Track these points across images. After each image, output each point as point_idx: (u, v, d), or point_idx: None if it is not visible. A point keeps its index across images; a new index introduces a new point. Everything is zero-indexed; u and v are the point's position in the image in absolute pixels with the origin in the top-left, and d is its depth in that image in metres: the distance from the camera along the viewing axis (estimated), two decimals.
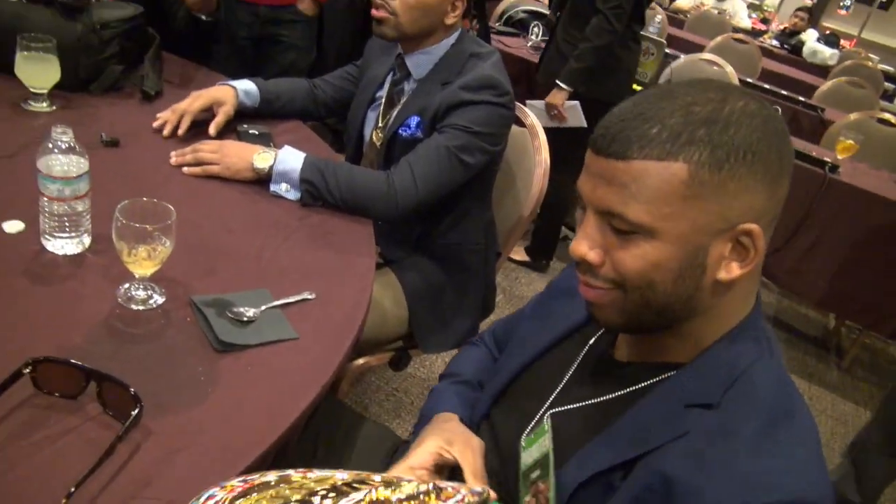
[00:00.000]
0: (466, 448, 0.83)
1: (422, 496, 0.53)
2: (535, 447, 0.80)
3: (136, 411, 0.75)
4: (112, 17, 1.59)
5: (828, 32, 7.15)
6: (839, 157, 3.02)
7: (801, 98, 4.24)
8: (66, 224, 1.02)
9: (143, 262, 0.95)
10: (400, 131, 1.52)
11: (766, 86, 4.31)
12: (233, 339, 0.94)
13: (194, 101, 1.50)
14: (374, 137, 1.61)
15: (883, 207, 2.77)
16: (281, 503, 0.51)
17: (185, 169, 1.36)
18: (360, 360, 1.53)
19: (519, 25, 3.96)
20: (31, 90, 1.43)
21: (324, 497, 0.53)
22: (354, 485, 0.56)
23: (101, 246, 1.05)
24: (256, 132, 1.58)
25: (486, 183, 1.61)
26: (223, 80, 1.63)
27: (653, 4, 5.70)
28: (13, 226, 1.05)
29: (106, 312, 0.95)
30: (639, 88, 3.03)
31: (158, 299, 0.99)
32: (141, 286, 0.99)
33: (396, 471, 0.82)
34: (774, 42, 6.84)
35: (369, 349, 1.55)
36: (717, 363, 0.71)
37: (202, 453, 0.77)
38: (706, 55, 4.07)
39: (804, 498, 0.61)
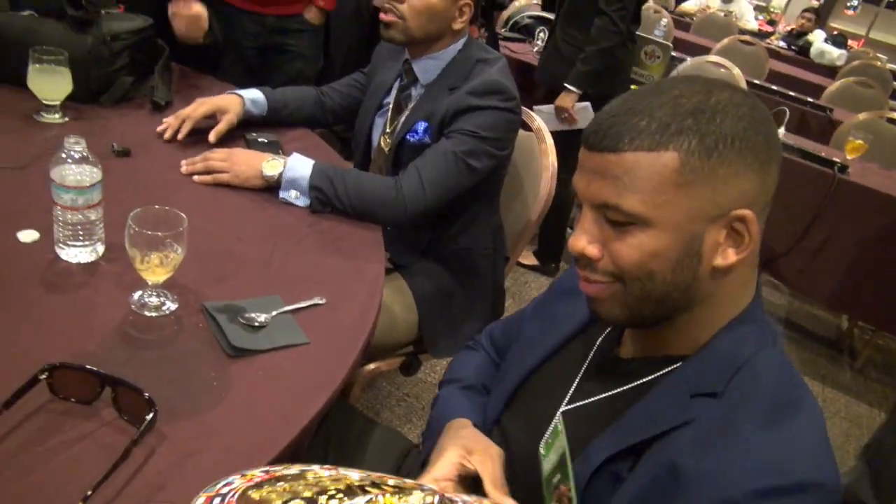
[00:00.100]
0: (486, 457, 0.83)
1: None
2: (554, 451, 0.80)
3: (151, 416, 0.76)
4: (122, 30, 1.61)
5: (835, 33, 7.12)
6: (848, 157, 3.01)
7: (810, 99, 4.23)
8: (80, 233, 1.03)
9: (155, 270, 0.96)
10: (408, 137, 1.53)
11: (774, 87, 4.30)
12: (245, 344, 0.95)
13: (198, 107, 1.52)
14: (382, 143, 1.62)
15: (893, 207, 2.75)
16: (289, 498, 0.52)
17: (195, 177, 1.37)
18: (371, 366, 1.54)
19: (525, 31, 3.97)
20: (44, 102, 1.45)
21: (331, 497, 0.53)
22: (367, 488, 0.57)
23: (115, 254, 1.06)
24: (265, 140, 1.59)
25: (493, 188, 1.62)
26: (231, 90, 1.65)
27: (658, 8, 5.71)
28: (28, 235, 1.07)
29: (119, 319, 0.96)
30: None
31: (171, 306, 1.00)
32: (154, 293, 1.00)
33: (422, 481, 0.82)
34: (781, 43, 6.83)
35: (380, 354, 1.55)
36: (720, 353, 0.72)
37: (215, 457, 0.78)
38: (712, 57, 4.07)
39: (812, 480, 0.61)
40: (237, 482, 0.57)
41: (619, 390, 0.78)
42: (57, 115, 1.47)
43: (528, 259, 3.18)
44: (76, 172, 1.01)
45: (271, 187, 1.39)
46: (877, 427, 2.28)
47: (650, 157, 0.66)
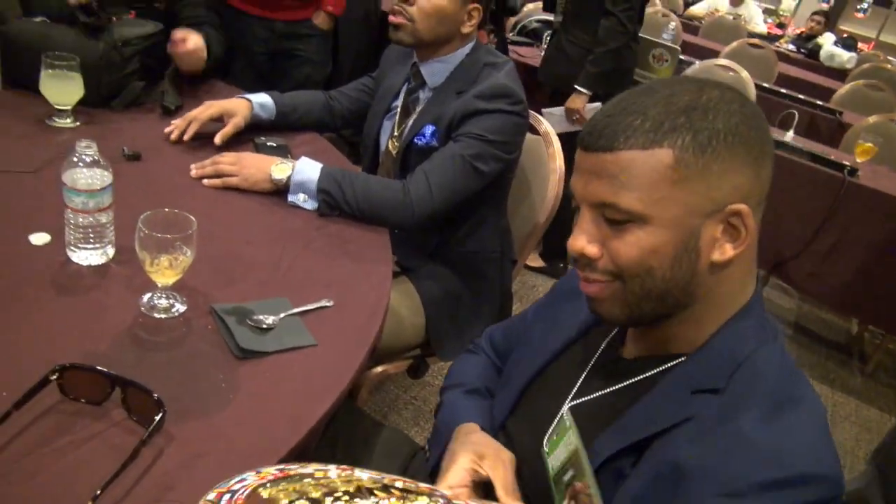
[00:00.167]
0: (497, 462, 0.83)
1: None
2: (561, 448, 0.80)
3: (160, 416, 0.77)
4: (133, 35, 1.62)
5: (845, 36, 7.09)
6: (858, 160, 2.99)
7: (819, 102, 4.21)
8: (91, 235, 1.05)
9: (165, 272, 0.97)
10: (415, 140, 1.54)
11: (783, 90, 4.28)
12: (253, 346, 0.96)
13: (206, 110, 1.53)
14: (390, 146, 1.63)
15: None
16: (296, 497, 0.52)
17: (204, 181, 1.38)
18: (379, 368, 1.54)
19: (532, 35, 3.98)
20: (56, 107, 1.47)
21: (336, 499, 0.54)
22: (375, 491, 0.57)
23: (125, 257, 1.07)
24: (274, 144, 1.60)
25: (501, 191, 1.62)
26: (240, 94, 1.66)
27: (666, 11, 5.70)
28: (40, 238, 1.08)
29: (129, 321, 0.97)
30: None
31: (180, 308, 1.01)
32: (163, 295, 1.01)
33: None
34: (791, 46, 6.80)
35: (387, 357, 1.56)
36: (721, 349, 0.72)
37: (223, 457, 0.78)
38: (721, 61, 4.06)
39: (814, 473, 0.61)
40: (250, 479, 0.58)
41: (621, 388, 0.79)
42: (69, 120, 1.48)
43: (535, 261, 3.18)
44: (87, 176, 1.02)
45: (280, 191, 1.40)
46: (887, 431, 2.26)
47: (645, 155, 0.67)
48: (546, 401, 0.87)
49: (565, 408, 0.83)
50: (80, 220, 1.03)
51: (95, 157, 1.03)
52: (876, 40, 8.86)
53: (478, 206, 1.54)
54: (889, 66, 5.90)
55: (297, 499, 0.53)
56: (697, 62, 4.07)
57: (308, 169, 1.38)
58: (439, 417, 1.01)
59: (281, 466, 0.61)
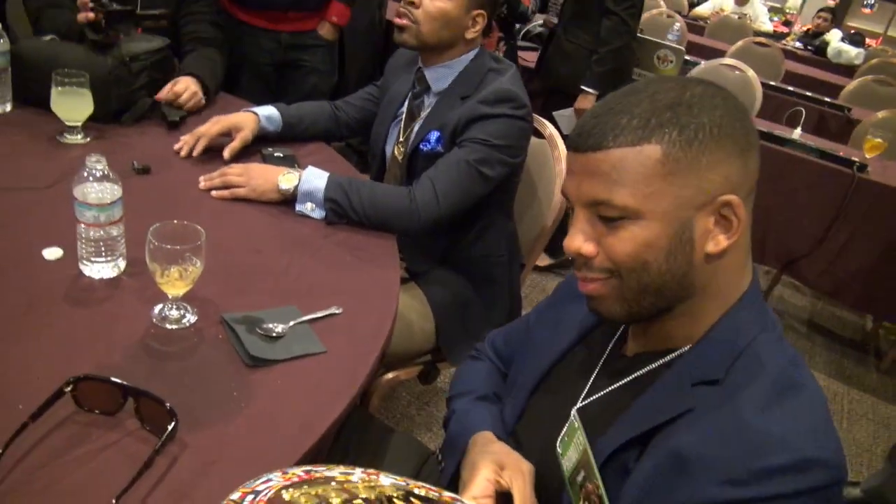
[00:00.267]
0: (517, 473, 0.83)
1: None
2: (572, 449, 0.81)
3: (172, 425, 0.78)
4: (140, 50, 1.65)
5: (852, 32, 7.05)
6: (867, 155, 2.98)
7: (827, 99, 4.19)
8: (103, 249, 1.06)
9: (175, 283, 0.98)
10: (420, 146, 1.55)
11: (790, 88, 4.27)
12: (263, 354, 0.97)
13: (213, 126, 1.55)
14: (395, 152, 1.64)
15: None
16: (317, 502, 0.53)
17: (213, 192, 1.40)
18: (390, 375, 1.55)
19: (536, 40, 3.99)
20: (67, 123, 1.49)
21: None
22: (395, 499, 0.58)
23: (136, 269, 1.08)
24: (281, 155, 1.62)
25: (507, 195, 1.63)
26: (247, 107, 1.68)
27: (671, 13, 5.70)
28: (52, 253, 1.10)
29: (142, 332, 0.98)
30: None
31: (191, 318, 1.03)
32: (174, 306, 1.03)
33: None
34: (798, 44, 6.77)
35: (398, 363, 1.57)
36: (719, 340, 0.74)
37: (236, 465, 0.79)
38: (727, 60, 4.05)
39: (815, 457, 0.62)
40: (275, 480, 0.58)
41: (623, 385, 0.80)
42: (79, 136, 1.51)
43: (544, 261, 3.18)
44: (98, 190, 1.03)
45: (288, 200, 1.41)
46: None
47: (634, 152, 0.69)
48: (554, 404, 0.87)
49: (573, 410, 0.83)
50: (92, 233, 1.05)
51: (105, 172, 1.04)
52: (884, 35, 8.80)
53: (484, 210, 1.55)
54: None
55: None
56: (703, 62, 4.06)
57: (315, 178, 1.40)
58: (452, 426, 1.00)
59: (307, 468, 0.62)
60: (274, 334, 1.01)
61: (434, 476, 1.02)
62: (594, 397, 0.83)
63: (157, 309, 1.02)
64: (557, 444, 0.83)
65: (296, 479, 0.59)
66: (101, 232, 1.05)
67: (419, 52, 1.58)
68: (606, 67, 2.72)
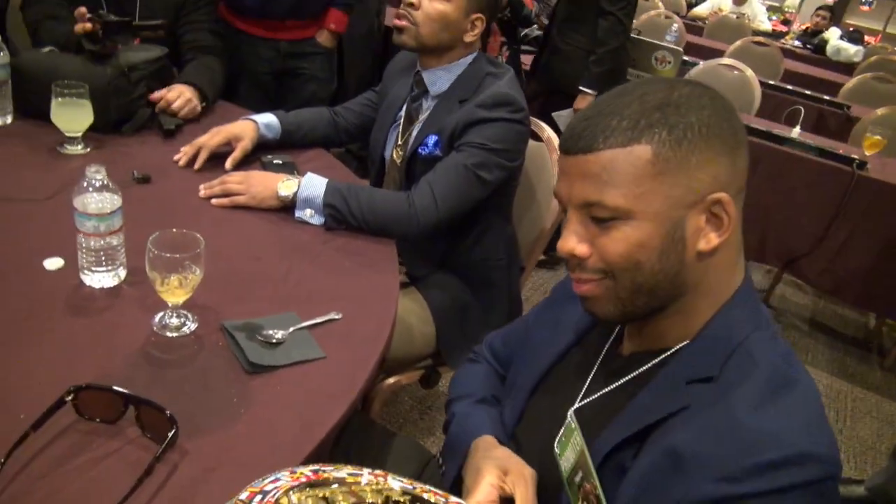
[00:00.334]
0: (520, 479, 0.84)
1: None
2: (570, 450, 0.81)
3: (173, 433, 0.78)
4: (139, 60, 1.66)
5: (851, 29, 7.05)
6: (867, 153, 2.98)
7: (826, 97, 4.19)
8: (103, 258, 1.07)
9: (175, 291, 0.99)
10: (419, 150, 1.56)
11: (789, 86, 4.27)
12: (263, 360, 0.97)
13: (213, 137, 1.56)
14: (394, 155, 1.65)
15: None
16: None
17: (213, 200, 1.41)
18: (391, 380, 1.55)
19: (534, 43, 4.00)
20: (67, 134, 1.50)
21: None
22: None
23: (137, 278, 1.09)
24: (280, 162, 1.63)
25: (506, 198, 1.63)
26: (245, 115, 1.69)
27: (669, 14, 5.71)
28: (53, 263, 1.11)
29: (142, 340, 0.99)
30: None
31: (192, 326, 1.03)
32: (174, 314, 1.03)
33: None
34: (797, 43, 6.78)
35: (399, 368, 1.57)
36: (713, 338, 0.74)
37: (236, 471, 0.80)
38: (725, 60, 4.06)
39: (808, 451, 0.63)
40: (284, 480, 0.59)
41: (619, 385, 0.80)
42: (79, 147, 1.52)
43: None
44: (97, 200, 1.04)
45: (287, 207, 1.42)
46: None
47: (625, 153, 0.70)
48: (552, 405, 0.88)
49: (571, 411, 0.84)
50: (92, 243, 1.05)
51: (105, 182, 1.05)
52: (882, 32, 8.80)
53: (483, 214, 1.56)
54: None
55: None
56: (701, 62, 4.07)
57: (314, 184, 1.40)
58: (452, 430, 1.01)
59: (315, 467, 0.62)
60: (273, 341, 1.02)
61: (435, 479, 1.02)
62: (591, 398, 0.83)
63: (157, 317, 1.03)
64: (555, 445, 0.84)
65: (304, 480, 0.60)
66: (102, 241, 1.06)
67: (418, 54, 1.59)
68: (604, 68, 2.74)
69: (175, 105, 1.72)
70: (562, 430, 0.84)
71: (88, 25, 1.56)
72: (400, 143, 1.63)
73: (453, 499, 0.61)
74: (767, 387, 0.68)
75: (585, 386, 0.85)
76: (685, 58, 4.17)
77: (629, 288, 0.74)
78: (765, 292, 3.46)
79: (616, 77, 2.79)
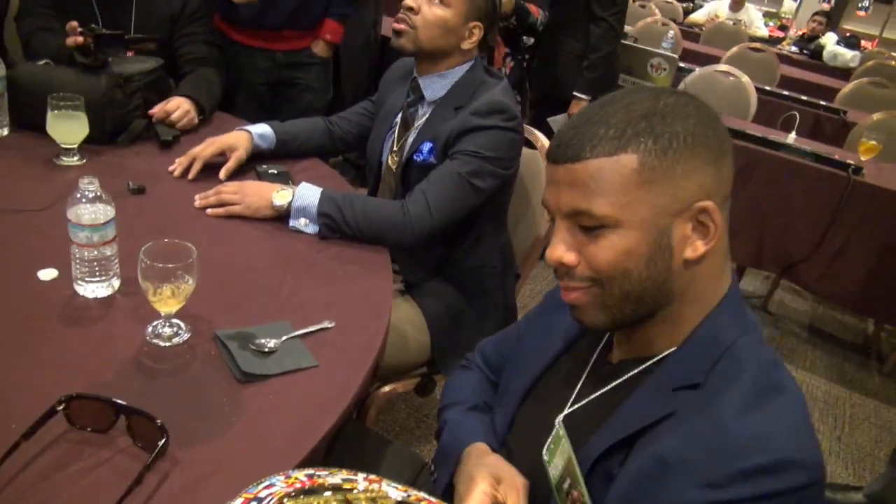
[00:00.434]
0: (512, 489, 0.84)
1: None
2: (558, 457, 0.82)
3: (163, 442, 0.79)
4: (134, 71, 1.67)
5: (848, 35, 7.07)
6: (862, 158, 2.98)
7: (822, 102, 4.20)
8: (97, 269, 1.08)
9: (167, 301, 0.99)
10: (414, 157, 1.57)
11: (785, 92, 4.28)
12: (254, 369, 0.98)
13: (207, 147, 1.57)
14: (389, 161, 1.66)
15: None
16: None
17: (208, 210, 1.42)
18: (387, 388, 1.56)
19: (528, 50, 4.01)
20: (62, 146, 1.51)
21: None
22: None
23: (130, 288, 1.10)
24: (275, 171, 1.64)
25: (500, 206, 1.64)
26: (240, 125, 1.70)
27: (666, 20, 5.73)
28: (48, 273, 1.12)
29: (135, 350, 0.99)
30: None
31: (185, 335, 1.04)
32: (167, 324, 1.04)
33: None
34: (793, 48, 6.79)
35: (394, 376, 1.57)
36: (699, 345, 0.75)
37: (227, 479, 0.80)
38: (721, 66, 4.07)
39: (794, 458, 0.63)
40: (278, 486, 0.59)
41: (607, 392, 0.81)
42: (75, 158, 1.53)
43: None
44: (91, 211, 1.05)
45: (282, 217, 1.42)
46: None
47: (611, 161, 0.70)
48: (542, 412, 0.88)
49: (559, 419, 0.84)
50: (86, 254, 1.06)
51: (98, 193, 1.06)
52: (879, 37, 8.83)
53: (477, 221, 1.56)
54: (893, 62, 5.87)
55: None
56: (697, 69, 4.08)
57: (308, 194, 1.41)
58: (444, 437, 1.01)
59: (310, 472, 0.62)
60: (266, 350, 1.02)
61: (428, 487, 1.03)
62: (579, 405, 0.84)
63: (150, 327, 1.03)
64: (544, 452, 0.84)
65: (298, 485, 0.60)
66: (95, 252, 1.06)
67: (415, 60, 1.60)
68: (598, 73, 2.78)
69: (173, 116, 1.73)
70: (550, 438, 0.84)
71: (80, 39, 1.58)
72: (395, 148, 1.64)
73: None
74: (753, 392, 0.68)
75: (574, 393, 0.86)
76: (681, 64, 4.18)
77: (617, 296, 0.74)
78: (763, 298, 3.46)
79: (608, 82, 2.82)
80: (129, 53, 1.73)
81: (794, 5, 9.85)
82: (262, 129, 1.69)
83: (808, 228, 2.85)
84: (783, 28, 8.72)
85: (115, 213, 1.08)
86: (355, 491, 0.65)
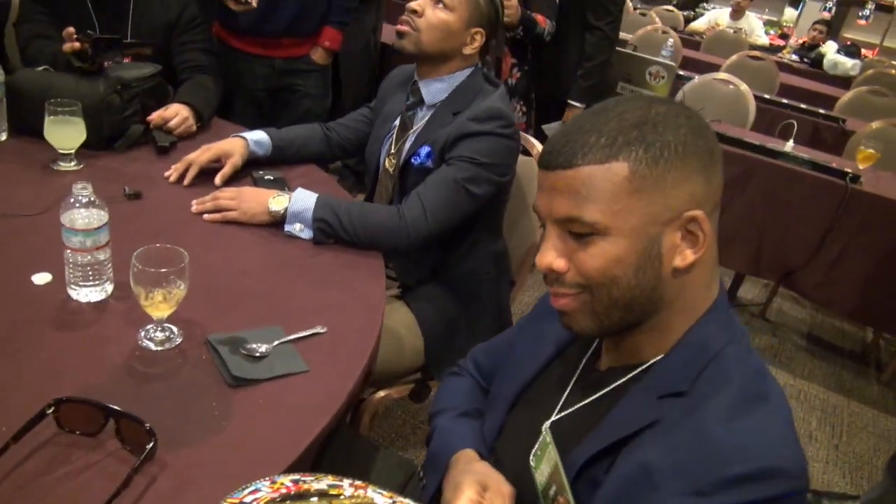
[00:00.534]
0: (497, 495, 0.84)
1: None
2: (545, 464, 0.82)
3: (151, 445, 0.79)
4: (132, 77, 1.68)
5: (848, 43, 7.08)
6: (860, 166, 2.98)
7: (821, 110, 4.21)
8: (90, 273, 1.08)
9: (159, 305, 1.00)
10: (412, 160, 1.57)
11: (784, 100, 4.29)
12: (245, 374, 0.98)
13: (203, 153, 1.58)
14: (387, 164, 1.66)
15: None
16: None
17: (205, 216, 1.42)
18: (381, 393, 1.56)
19: None
20: (60, 151, 1.52)
21: None
22: None
23: (123, 292, 1.10)
24: (272, 177, 1.64)
25: (496, 213, 1.65)
26: (238, 132, 1.71)
27: (666, 28, 5.75)
28: (42, 278, 1.12)
29: (126, 354, 1.00)
30: None
31: (176, 340, 1.04)
32: (159, 328, 1.04)
33: None
34: (794, 57, 6.81)
35: (388, 382, 1.58)
36: (686, 352, 0.75)
37: (215, 483, 0.80)
38: (720, 74, 4.08)
39: (779, 466, 0.63)
40: (263, 491, 0.59)
41: (595, 399, 0.81)
42: (72, 163, 1.54)
43: None
44: (84, 216, 1.06)
45: (278, 222, 1.43)
46: None
47: (602, 169, 0.71)
48: (530, 418, 0.88)
49: (546, 425, 0.84)
50: (79, 258, 1.07)
51: (91, 198, 1.07)
52: (880, 46, 8.84)
53: (472, 227, 1.57)
54: (893, 71, 5.88)
55: None
56: (697, 77, 4.09)
57: (304, 199, 1.42)
58: (433, 443, 1.01)
59: (295, 477, 0.62)
60: (257, 354, 1.03)
61: (417, 493, 1.03)
62: (567, 412, 0.84)
63: (142, 331, 1.04)
64: (531, 459, 0.84)
65: (284, 491, 0.60)
66: (89, 257, 1.07)
67: (416, 62, 1.61)
68: (592, 81, 2.81)
69: (171, 123, 1.74)
70: (537, 444, 0.85)
71: (77, 45, 1.59)
72: (393, 151, 1.65)
73: None
74: (739, 400, 0.68)
75: (562, 400, 0.86)
76: (681, 72, 4.20)
77: (605, 303, 0.75)
78: (762, 306, 3.46)
79: (603, 90, 2.84)
80: (126, 59, 1.74)
81: (795, 14, 9.87)
82: (258, 136, 1.70)
83: (806, 236, 2.85)
84: (784, 36, 8.74)
85: (109, 218, 1.09)
86: (341, 497, 0.65)
